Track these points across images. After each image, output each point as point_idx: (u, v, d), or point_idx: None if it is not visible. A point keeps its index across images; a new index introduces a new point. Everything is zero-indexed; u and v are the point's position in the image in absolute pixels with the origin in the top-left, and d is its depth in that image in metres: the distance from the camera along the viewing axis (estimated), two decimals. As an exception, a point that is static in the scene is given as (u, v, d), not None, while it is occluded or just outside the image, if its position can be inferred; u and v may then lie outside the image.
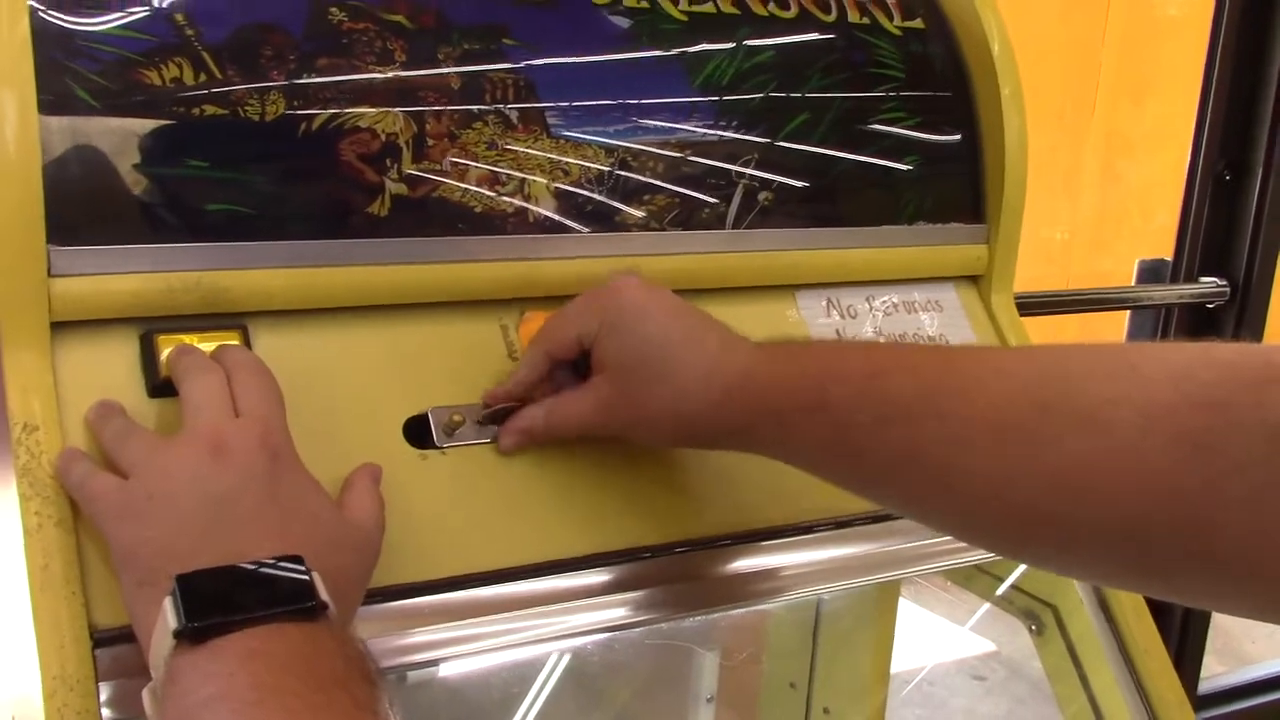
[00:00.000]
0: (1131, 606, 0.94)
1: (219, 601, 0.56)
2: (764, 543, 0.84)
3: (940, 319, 0.98)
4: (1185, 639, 1.98)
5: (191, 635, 0.56)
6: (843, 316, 0.94)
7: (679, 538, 0.80)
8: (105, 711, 0.63)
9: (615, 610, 0.78)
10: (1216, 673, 2.31)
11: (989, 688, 3.24)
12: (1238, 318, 1.89)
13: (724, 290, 0.90)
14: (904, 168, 0.97)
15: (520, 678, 1.11)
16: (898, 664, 1.27)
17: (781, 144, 0.92)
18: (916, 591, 1.23)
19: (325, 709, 0.54)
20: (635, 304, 0.76)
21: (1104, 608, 0.94)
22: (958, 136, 1.00)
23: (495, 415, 0.78)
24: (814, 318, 0.93)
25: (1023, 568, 0.98)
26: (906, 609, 1.27)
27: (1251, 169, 1.87)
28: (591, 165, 0.85)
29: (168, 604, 0.56)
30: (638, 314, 0.75)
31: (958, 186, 1.00)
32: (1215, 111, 1.85)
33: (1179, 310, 1.94)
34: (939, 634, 3.16)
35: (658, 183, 0.87)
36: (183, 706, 0.54)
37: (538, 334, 0.79)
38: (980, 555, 0.93)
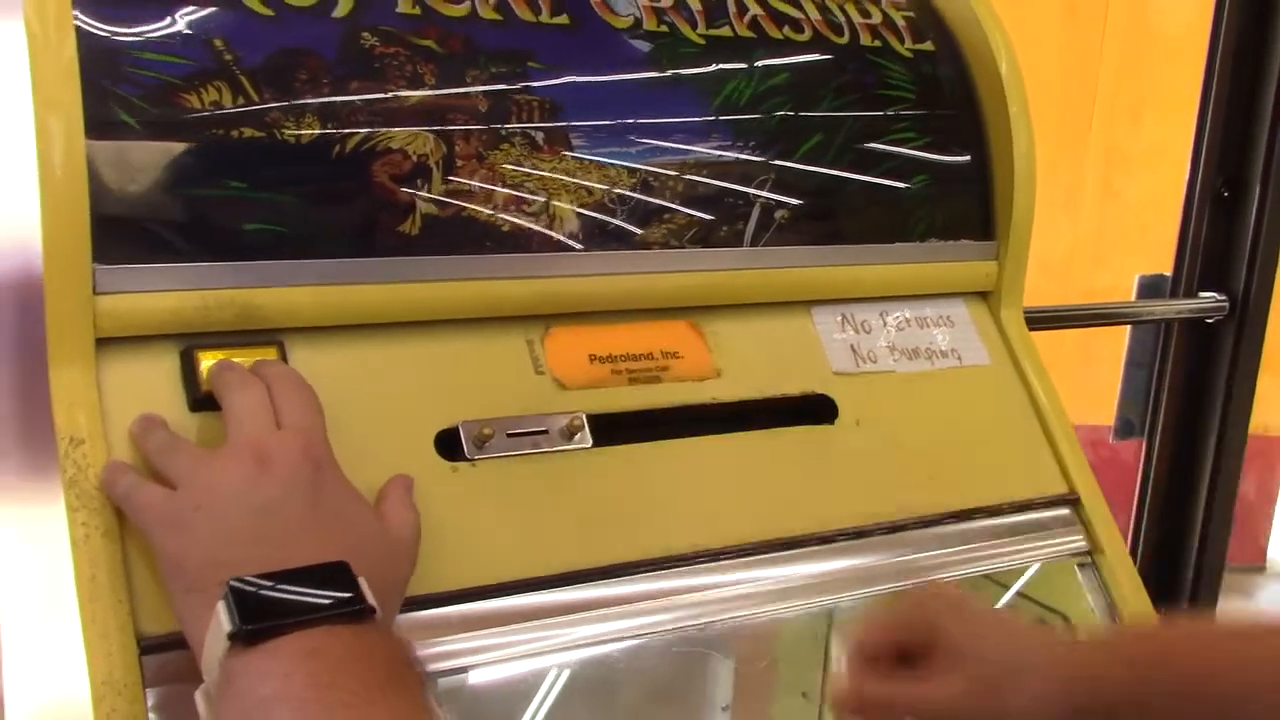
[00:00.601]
0: (1142, 615, 0.96)
1: (271, 605, 0.58)
2: (782, 552, 0.86)
3: (952, 334, 1.00)
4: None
5: (246, 637, 0.58)
6: (857, 331, 0.96)
7: (702, 547, 0.83)
8: (152, 716, 0.65)
9: (639, 619, 0.80)
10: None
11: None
12: (1237, 332, 1.91)
13: (742, 306, 0.92)
14: (915, 186, 0.99)
15: (538, 684, 1.12)
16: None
17: (797, 163, 0.94)
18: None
19: (380, 705, 0.56)
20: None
21: (1114, 617, 0.96)
22: (967, 155, 1.02)
23: None
24: (829, 332, 0.95)
25: (1028, 576, 1.00)
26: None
27: (1249, 185, 1.89)
28: (614, 185, 0.87)
29: (221, 608, 0.58)
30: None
31: (967, 204, 1.02)
32: (1213, 128, 1.87)
33: (1179, 325, 1.96)
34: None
35: (677, 204, 0.90)
36: (242, 706, 0.56)
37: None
38: (990, 565, 0.96)
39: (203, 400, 0.73)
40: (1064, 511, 0.98)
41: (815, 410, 0.92)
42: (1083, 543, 0.97)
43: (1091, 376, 2.09)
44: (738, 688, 1.22)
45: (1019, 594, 1.03)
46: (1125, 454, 2.08)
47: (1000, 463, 0.97)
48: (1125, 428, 1.98)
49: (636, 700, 1.24)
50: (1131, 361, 1.98)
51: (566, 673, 1.11)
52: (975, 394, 0.99)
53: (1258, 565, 4.58)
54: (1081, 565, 0.97)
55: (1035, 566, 0.99)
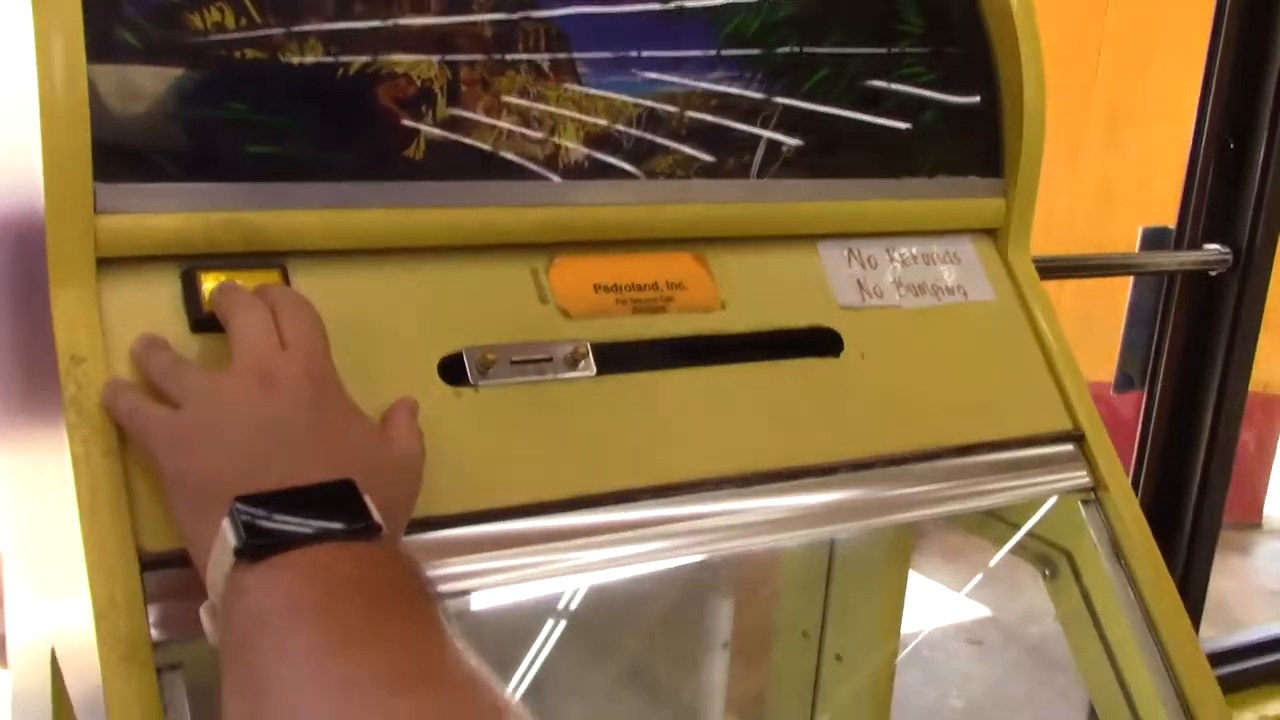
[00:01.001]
0: (1145, 551, 0.96)
1: (276, 523, 0.58)
2: (784, 483, 0.85)
3: (958, 270, 1.00)
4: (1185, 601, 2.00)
5: (252, 554, 0.57)
6: (863, 266, 0.95)
7: (704, 476, 0.82)
8: (154, 633, 0.65)
9: (642, 545, 0.80)
10: (1206, 636, 2.34)
11: (985, 652, 3.27)
12: (1240, 285, 1.90)
13: (747, 239, 0.92)
14: (923, 122, 0.98)
15: (541, 620, 1.13)
16: (896, 628, 1.29)
17: (805, 96, 0.93)
18: (915, 559, 1.25)
19: (391, 619, 0.56)
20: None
21: (1117, 553, 0.96)
22: (977, 91, 1.01)
23: None
24: (835, 267, 0.94)
25: (1039, 515, 1.00)
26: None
27: (1257, 137, 1.87)
28: (620, 114, 0.86)
29: (226, 525, 0.58)
30: None
31: (976, 141, 1.02)
32: (1221, 79, 1.86)
33: (1181, 278, 1.95)
34: (937, 599, 3.20)
35: (683, 135, 0.89)
36: (248, 619, 0.56)
37: None
38: (992, 500, 0.96)
39: (204, 321, 0.72)
40: (1068, 448, 0.98)
41: (820, 343, 0.92)
42: (1086, 479, 0.97)
43: (1091, 333, 2.09)
44: (738, 625, 1.23)
45: (1020, 530, 1.03)
46: (1125, 410, 2.08)
47: (1005, 398, 0.97)
48: (1125, 381, 1.97)
49: (638, 637, 1.25)
50: (1133, 316, 1.97)
51: (572, 604, 1.12)
52: (981, 330, 0.98)
53: (1254, 522, 4.60)
54: (1085, 502, 0.97)
55: (1048, 504, 0.98)
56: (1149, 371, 1.94)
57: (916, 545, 1.32)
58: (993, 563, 1.08)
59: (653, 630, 1.24)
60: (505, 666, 1.10)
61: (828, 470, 0.87)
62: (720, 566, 1.22)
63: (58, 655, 0.79)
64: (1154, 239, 2.00)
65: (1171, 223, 1.97)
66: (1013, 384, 0.98)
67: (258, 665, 0.54)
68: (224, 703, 0.55)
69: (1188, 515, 1.94)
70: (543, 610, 1.12)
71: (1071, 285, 2.95)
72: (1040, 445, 0.97)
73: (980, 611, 3.35)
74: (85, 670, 0.67)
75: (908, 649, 1.35)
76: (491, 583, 0.75)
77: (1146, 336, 1.95)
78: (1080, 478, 0.97)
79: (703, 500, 0.82)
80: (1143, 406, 1.94)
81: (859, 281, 0.95)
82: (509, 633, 1.10)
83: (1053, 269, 1.77)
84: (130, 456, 0.68)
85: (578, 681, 1.20)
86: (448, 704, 0.51)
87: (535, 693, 1.12)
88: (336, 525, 0.59)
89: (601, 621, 1.16)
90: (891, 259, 0.97)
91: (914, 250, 0.99)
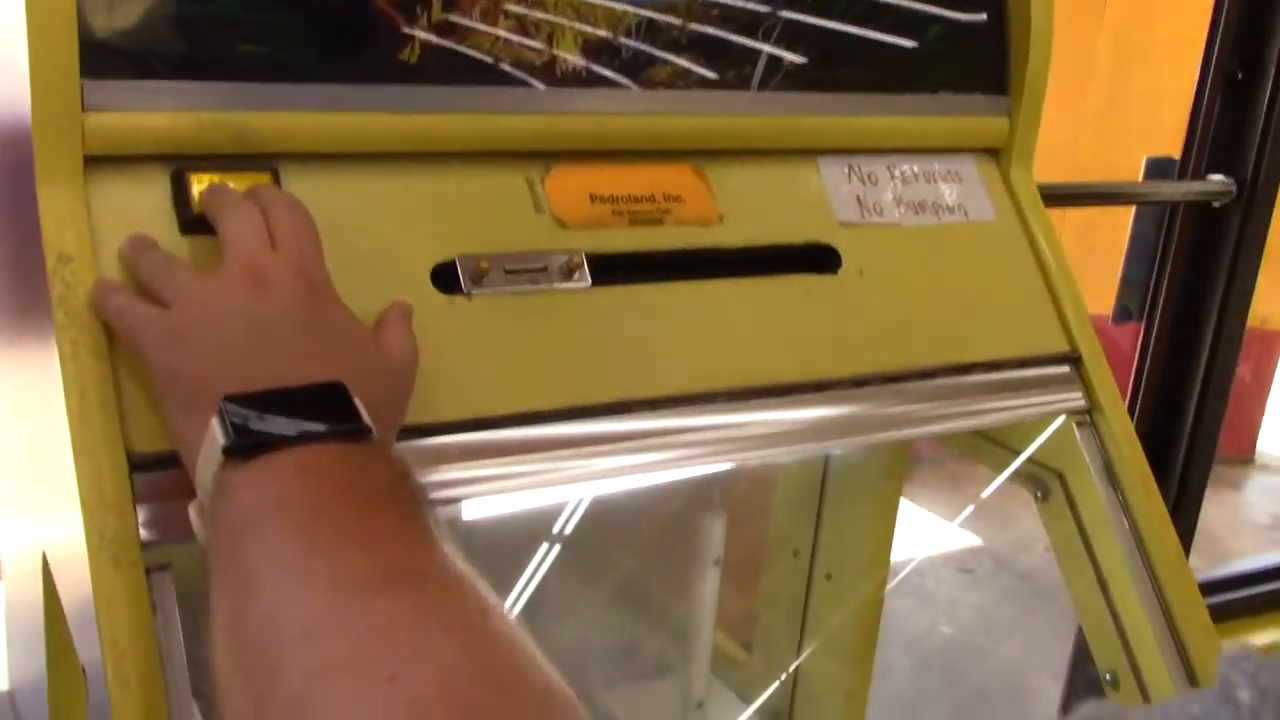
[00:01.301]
0: (1138, 473, 0.96)
1: (266, 422, 0.58)
2: (779, 398, 0.85)
3: (959, 190, 0.98)
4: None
5: (240, 452, 0.57)
6: (863, 183, 0.94)
7: (699, 389, 0.82)
8: (143, 533, 0.65)
9: (635, 456, 0.79)
10: (1195, 566, 2.36)
11: (976, 580, 3.30)
12: (1243, 217, 1.89)
13: (747, 153, 0.91)
14: (929, 38, 0.97)
15: (533, 536, 1.13)
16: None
17: (809, 9, 0.91)
18: (909, 489, 1.25)
19: (378, 520, 0.55)
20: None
21: (1110, 475, 0.96)
22: (984, 9, 1.00)
23: None
24: (835, 183, 0.93)
25: (1038, 440, 0.99)
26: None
27: (1265, 68, 1.85)
28: (620, 23, 0.85)
29: (215, 424, 0.58)
30: None
31: (982, 58, 1.00)
32: (1230, 10, 1.83)
33: (1185, 208, 1.94)
34: (929, 529, 3.22)
35: (684, 45, 0.87)
36: (235, 517, 0.56)
37: None
38: (989, 420, 0.95)
39: (194, 223, 0.71)
40: (1064, 369, 0.97)
41: (818, 259, 0.91)
42: (1082, 401, 0.97)
43: (1092, 267, 2.08)
44: (729, 542, 1.23)
45: (1016, 454, 1.03)
46: (1124, 342, 2.07)
47: (1002, 319, 0.96)
48: (1123, 313, 1.97)
49: (629, 554, 1.25)
50: (1133, 248, 1.96)
51: (563, 519, 1.12)
52: (980, 250, 0.97)
53: (1247, 457, 4.62)
54: (1080, 424, 0.97)
55: (1049, 429, 0.98)
56: (1148, 303, 1.93)
57: (910, 476, 1.32)
58: (986, 493, 1.08)
59: (644, 547, 1.24)
60: (495, 582, 1.10)
61: (823, 386, 0.87)
62: (713, 483, 1.22)
63: (49, 561, 0.79)
64: (1158, 169, 1.99)
65: (1177, 156, 1.95)
66: (1011, 304, 0.97)
67: (243, 562, 0.54)
68: (210, 600, 0.55)
69: (1182, 445, 1.94)
70: (534, 525, 1.12)
71: (1072, 218, 2.93)
72: (1037, 366, 0.96)
73: (971, 541, 3.38)
74: (75, 574, 0.67)
75: (899, 576, 1.36)
76: (483, 490, 0.75)
77: (1146, 269, 1.94)
78: (1076, 399, 0.97)
79: (696, 413, 0.82)
80: (1140, 337, 1.93)
81: (858, 198, 0.93)
82: (499, 548, 1.10)
83: (1055, 196, 1.76)
84: (119, 358, 0.67)
85: (568, 597, 1.20)
86: (432, 602, 0.51)
87: (524, 608, 1.13)
88: (325, 426, 0.58)
89: (592, 537, 1.16)
90: (892, 176, 0.96)
91: (915, 168, 0.97)
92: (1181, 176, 1.94)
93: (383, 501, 0.57)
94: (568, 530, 1.12)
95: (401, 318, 0.71)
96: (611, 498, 0.94)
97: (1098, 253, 2.16)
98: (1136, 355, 1.94)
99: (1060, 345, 0.97)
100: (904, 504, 1.28)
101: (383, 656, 0.46)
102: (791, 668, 1.37)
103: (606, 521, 1.14)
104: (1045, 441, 0.98)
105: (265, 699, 0.48)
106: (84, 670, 0.70)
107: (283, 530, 0.54)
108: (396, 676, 0.45)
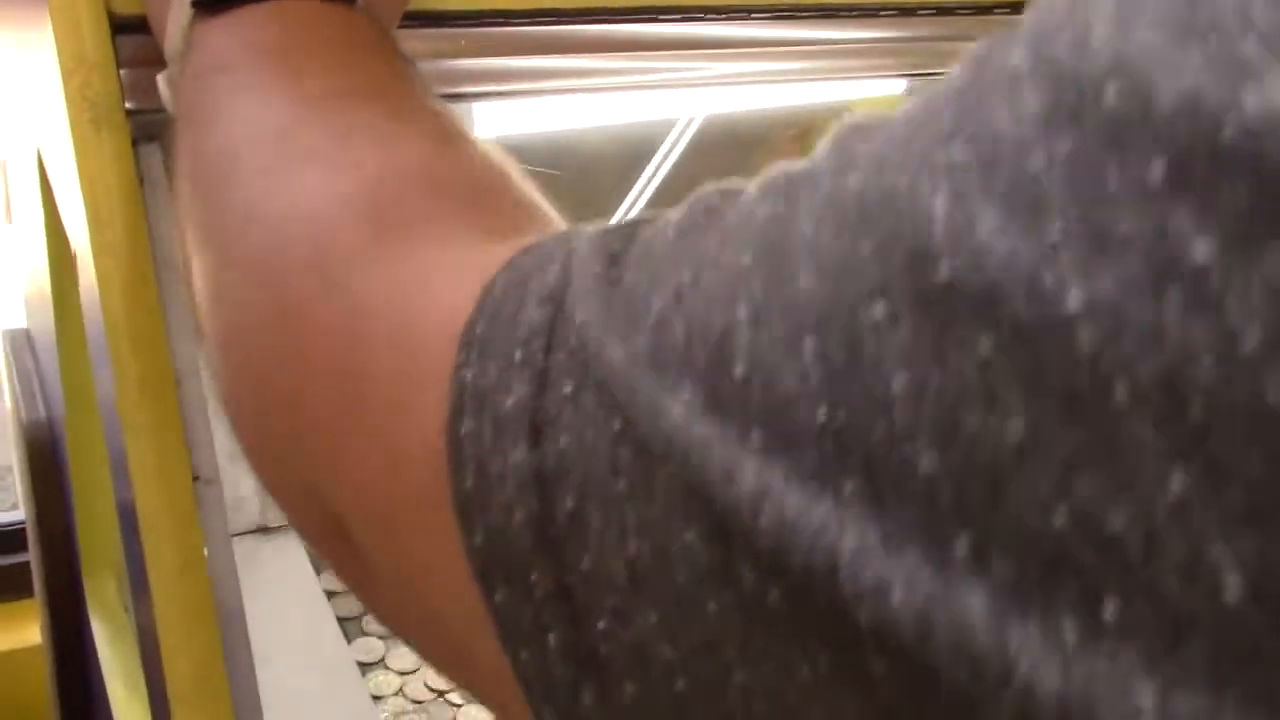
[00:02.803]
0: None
1: None
2: (827, 19, 0.78)
3: None
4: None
5: (212, 4, 0.52)
6: None
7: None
8: (128, 103, 0.61)
9: (657, 66, 0.74)
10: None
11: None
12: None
13: None
14: None
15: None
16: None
17: None
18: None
19: (364, 62, 0.51)
20: None
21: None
22: None
23: None
24: None
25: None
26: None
27: None
28: None
29: None
30: None
31: None
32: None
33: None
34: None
35: None
36: (203, 67, 0.51)
37: None
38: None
39: None
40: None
41: None
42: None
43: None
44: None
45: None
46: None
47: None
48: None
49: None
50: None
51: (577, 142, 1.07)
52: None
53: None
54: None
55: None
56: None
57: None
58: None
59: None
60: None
61: (830, 14, 0.79)
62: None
63: (42, 155, 0.76)
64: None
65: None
66: None
67: (207, 100, 0.50)
68: (174, 148, 0.51)
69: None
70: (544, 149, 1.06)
71: None
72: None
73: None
74: (62, 155, 0.63)
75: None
76: (493, 91, 0.70)
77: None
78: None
79: (731, 23, 0.75)
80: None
81: None
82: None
83: None
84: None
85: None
86: (412, 112, 0.46)
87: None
88: None
89: (604, 167, 1.10)
90: None
91: None
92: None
93: (366, 53, 0.52)
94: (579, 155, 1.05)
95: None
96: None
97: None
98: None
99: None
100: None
101: (350, 147, 0.42)
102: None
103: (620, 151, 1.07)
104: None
105: (224, 209, 0.44)
106: (74, 257, 0.67)
107: (253, 69, 0.50)
108: (364, 162, 0.41)
